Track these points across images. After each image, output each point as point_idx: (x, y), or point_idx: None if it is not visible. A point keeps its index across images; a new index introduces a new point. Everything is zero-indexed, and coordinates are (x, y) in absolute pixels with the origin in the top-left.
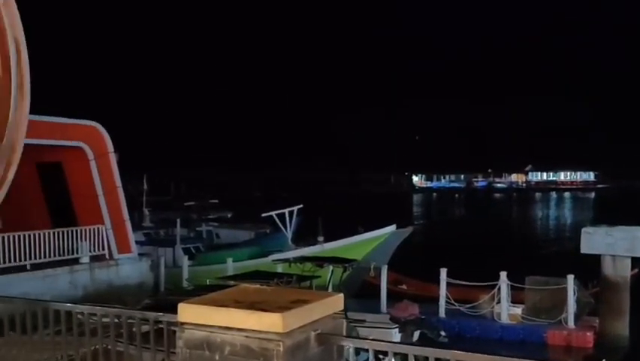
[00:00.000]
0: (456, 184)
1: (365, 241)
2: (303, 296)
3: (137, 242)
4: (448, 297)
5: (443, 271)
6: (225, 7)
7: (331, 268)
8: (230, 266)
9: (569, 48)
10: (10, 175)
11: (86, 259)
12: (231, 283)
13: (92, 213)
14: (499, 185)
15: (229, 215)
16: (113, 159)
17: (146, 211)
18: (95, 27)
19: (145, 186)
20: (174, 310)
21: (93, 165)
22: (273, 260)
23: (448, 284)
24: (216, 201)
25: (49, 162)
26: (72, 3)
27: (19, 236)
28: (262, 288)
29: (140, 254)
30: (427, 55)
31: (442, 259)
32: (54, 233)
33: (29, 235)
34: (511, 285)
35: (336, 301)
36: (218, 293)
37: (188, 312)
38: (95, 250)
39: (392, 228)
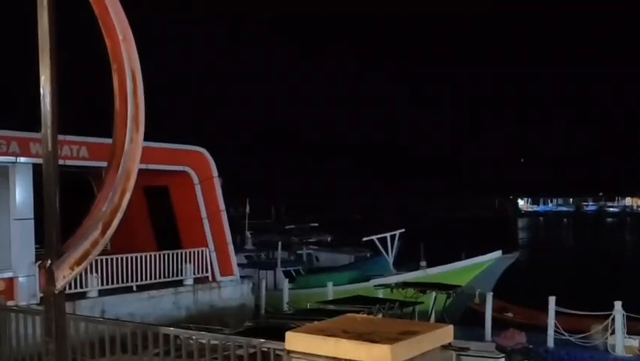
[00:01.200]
0: (564, 208)
1: (470, 267)
2: (413, 327)
3: (239, 265)
4: (557, 326)
5: (552, 299)
6: None
7: (434, 294)
8: (331, 290)
9: None
10: (125, 203)
11: (189, 281)
12: (331, 307)
13: (196, 236)
14: (611, 209)
15: (329, 238)
16: (217, 183)
17: (248, 234)
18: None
19: (248, 210)
20: (275, 333)
21: (198, 189)
22: (375, 285)
23: (557, 313)
24: (316, 224)
25: (157, 186)
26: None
27: (126, 258)
28: (370, 318)
29: (241, 277)
30: (534, 79)
31: (550, 286)
32: (159, 255)
33: (136, 257)
34: (627, 315)
35: (446, 333)
36: (325, 322)
37: (296, 341)
38: (198, 273)
39: (498, 253)
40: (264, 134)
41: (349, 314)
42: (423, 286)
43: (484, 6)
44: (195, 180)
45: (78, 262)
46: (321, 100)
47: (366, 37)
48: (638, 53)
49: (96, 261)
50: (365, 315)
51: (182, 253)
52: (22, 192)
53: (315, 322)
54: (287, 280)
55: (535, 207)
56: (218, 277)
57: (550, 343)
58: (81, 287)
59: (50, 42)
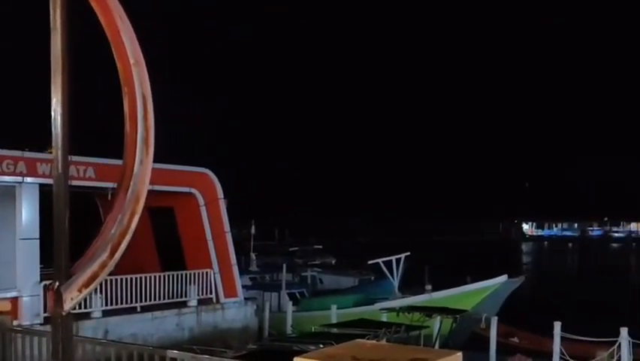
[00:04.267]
0: (569, 233)
1: (475, 291)
2: (422, 355)
3: (243, 286)
4: (562, 352)
5: (557, 325)
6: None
7: (440, 318)
8: (334, 313)
9: None
10: (134, 225)
11: (193, 303)
12: (335, 330)
13: (201, 257)
14: (616, 234)
15: (333, 261)
16: (222, 204)
17: (253, 256)
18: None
19: (253, 231)
20: (279, 357)
21: (203, 210)
22: (380, 309)
23: (563, 339)
24: (320, 246)
25: (162, 207)
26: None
27: (130, 279)
28: (379, 344)
29: (245, 298)
30: (532, 103)
31: (555, 312)
32: (163, 276)
33: (140, 278)
34: (633, 342)
35: (455, 360)
36: (334, 348)
37: None
38: (202, 294)
39: (504, 278)
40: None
41: (358, 340)
42: (429, 311)
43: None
44: (201, 201)
45: (86, 285)
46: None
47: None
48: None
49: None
50: (374, 341)
51: (186, 275)
52: (28, 212)
53: (321, 346)
54: (291, 302)
55: (539, 232)
56: (222, 299)
57: None
58: (85, 308)
59: (63, 65)
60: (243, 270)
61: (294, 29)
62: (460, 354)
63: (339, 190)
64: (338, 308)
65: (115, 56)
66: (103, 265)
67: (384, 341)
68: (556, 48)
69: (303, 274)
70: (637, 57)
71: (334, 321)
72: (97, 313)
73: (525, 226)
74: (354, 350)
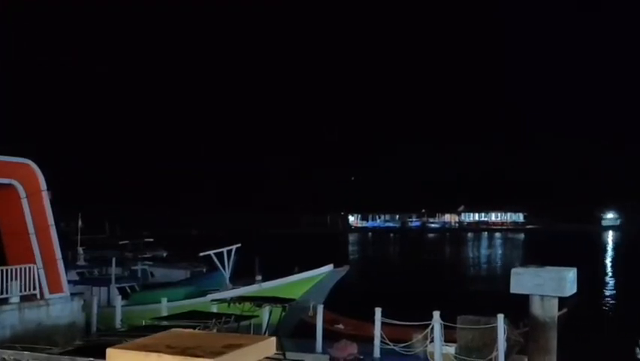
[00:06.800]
0: (391, 224)
1: (303, 281)
2: (237, 341)
3: (70, 281)
4: (382, 337)
5: (378, 311)
6: None
7: (270, 307)
8: (165, 306)
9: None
10: None
11: (15, 299)
12: (166, 323)
13: (23, 252)
14: (432, 225)
15: (165, 254)
16: (45, 197)
17: (80, 250)
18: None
19: (80, 224)
20: (105, 352)
21: (25, 203)
22: (212, 300)
23: (383, 324)
24: (152, 239)
25: None
26: None
27: None
28: (196, 332)
29: (72, 294)
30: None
31: (378, 298)
32: None
33: None
34: (444, 324)
35: (269, 345)
36: (150, 338)
37: (118, 357)
38: (25, 290)
39: (330, 267)
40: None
41: (175, 329)
42: (259, 300)
43: None
44: (22, 193)
45: None
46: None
47: None
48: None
49: None
50: (191, 330)
51: (6, 270)
52: None
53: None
54: (120, 296)
55: (364, 223)
56: (47, 295)
57: (377, 353)
58: None
59: None
60: (70, 264)
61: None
62: (273, 339)
63: (172, 183)
64: (169, 301)
65: None
66: None
67: (214, 331)
68: (372, 41)
69: (133, 267)
70: (462, 47)
71: (165, 314)
72: None
73: (351, 218)
74: (169, 339)
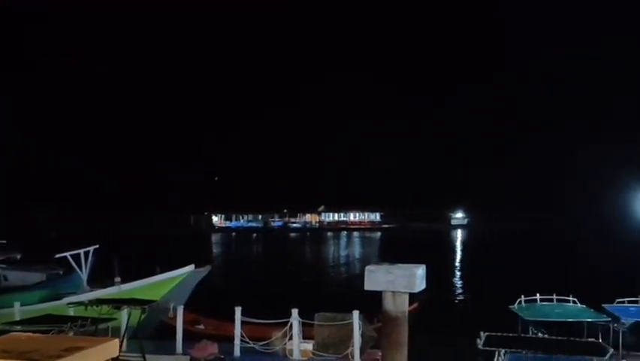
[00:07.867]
0: (254, 224)
1: (163, 282)
2: (78, 343)
3: None
4: (243, 335)
5: (238, 310)
6: None
7: (128, 309)
8: (18, 310)
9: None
10: None
11: None
12: (18, 328)
13: None
14: (294, 225)
15: (18, 256)
16: None
17: None
18: None
19: None
20: None
21: None
22: (68, 303)
23: (243, 323)
24: (4, 241)
25: None
26: None
27: None
28: (35, 336)
29: None
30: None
31: (239, 298)
32: None
33: None
34: (302, 322)
35: (111, 347)
36: None
37: None
38: None
39: (191, 267)
40: None
41: (14, 333)
42: (117, 303)
43: None
44: None
45: None
46: None
47: None
48: None
49: None
50: (30, 333)
51: None
52: None
53: None
54: None
55: (228, 223)
56: None
57: (237, 352)
58: None
59: None
60: None
61: None
62: (116, 341)
63: (30, 182)
64: (23, 305)
65: None
66: None
67: (71, 335)
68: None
69: None
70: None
71: (17, 319)
72: None
73: (214, 218)
74: (6, 343)
